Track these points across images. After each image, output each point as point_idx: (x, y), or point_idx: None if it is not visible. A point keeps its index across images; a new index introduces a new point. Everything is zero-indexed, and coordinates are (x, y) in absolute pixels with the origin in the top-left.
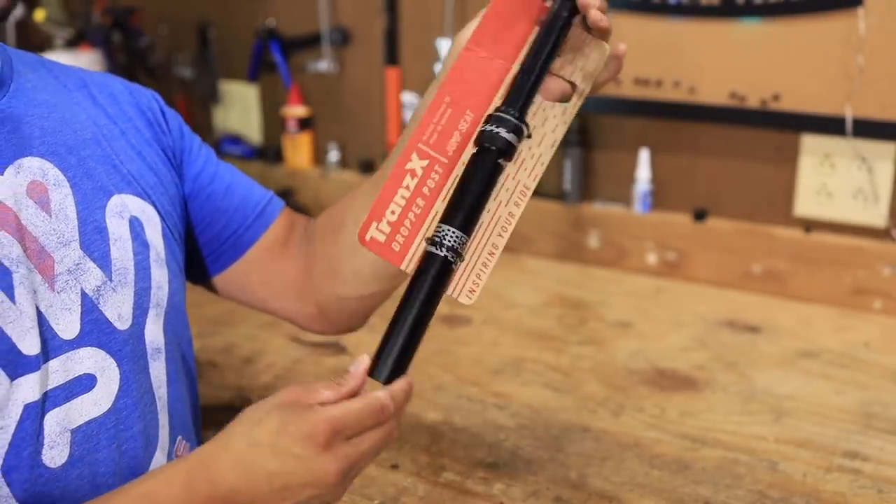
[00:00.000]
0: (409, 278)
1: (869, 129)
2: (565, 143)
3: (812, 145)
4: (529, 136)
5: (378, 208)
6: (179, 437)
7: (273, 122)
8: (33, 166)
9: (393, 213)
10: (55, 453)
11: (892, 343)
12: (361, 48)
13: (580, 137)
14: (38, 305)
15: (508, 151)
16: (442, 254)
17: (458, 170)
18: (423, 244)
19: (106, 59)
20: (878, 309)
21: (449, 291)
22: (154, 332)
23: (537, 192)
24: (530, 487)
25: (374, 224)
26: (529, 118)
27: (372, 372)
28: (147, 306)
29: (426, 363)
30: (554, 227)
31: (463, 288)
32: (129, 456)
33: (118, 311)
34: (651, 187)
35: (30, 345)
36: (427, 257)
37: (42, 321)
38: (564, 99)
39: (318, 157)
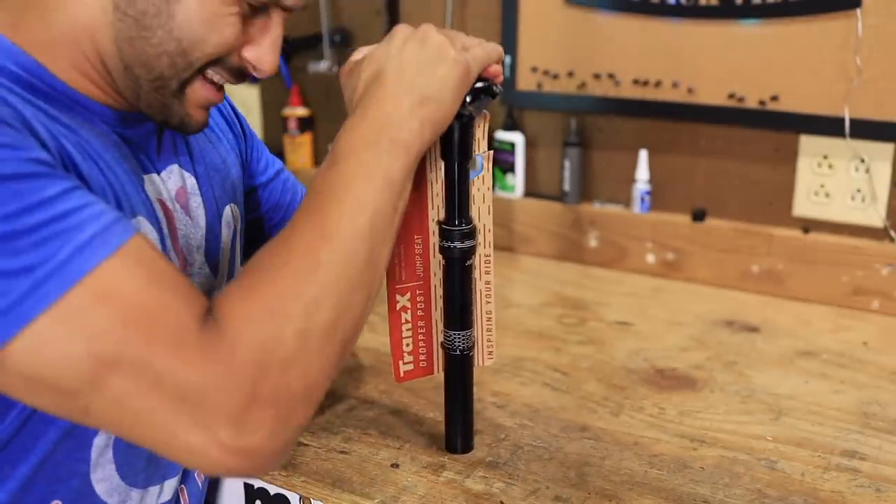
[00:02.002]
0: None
1: (867, 130)
2: (564, 144)
3: (810, 146)
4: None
5: (396, 351)
6: None
7: (274, 123)
8: (177, 173)
9: (408, 345)
10: None
11: (890, 342)
12: None
13: (579, 138)
14: None
15: (469, 254)
16: (458, 353)
17: (434, 280)
18: (441, 350)
19: None
20: (877, 309)
21: (476, 364)
22: None
23: (537, 193)
24: (530, 486)
25: (400, 363)
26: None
27: (448, 446)
28: None
29: None
30: (553, 226)
31: (483, 356)
32: None
33: None
34: (650, 187)
35: None
36: (449, 359)
37: None
38: None
39: (319, 157)
